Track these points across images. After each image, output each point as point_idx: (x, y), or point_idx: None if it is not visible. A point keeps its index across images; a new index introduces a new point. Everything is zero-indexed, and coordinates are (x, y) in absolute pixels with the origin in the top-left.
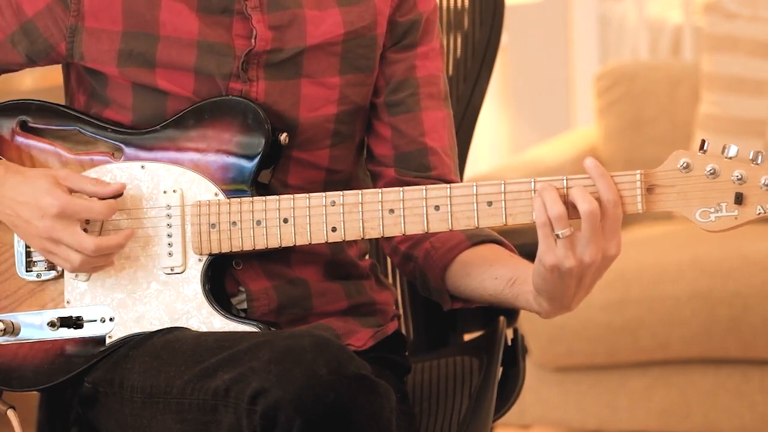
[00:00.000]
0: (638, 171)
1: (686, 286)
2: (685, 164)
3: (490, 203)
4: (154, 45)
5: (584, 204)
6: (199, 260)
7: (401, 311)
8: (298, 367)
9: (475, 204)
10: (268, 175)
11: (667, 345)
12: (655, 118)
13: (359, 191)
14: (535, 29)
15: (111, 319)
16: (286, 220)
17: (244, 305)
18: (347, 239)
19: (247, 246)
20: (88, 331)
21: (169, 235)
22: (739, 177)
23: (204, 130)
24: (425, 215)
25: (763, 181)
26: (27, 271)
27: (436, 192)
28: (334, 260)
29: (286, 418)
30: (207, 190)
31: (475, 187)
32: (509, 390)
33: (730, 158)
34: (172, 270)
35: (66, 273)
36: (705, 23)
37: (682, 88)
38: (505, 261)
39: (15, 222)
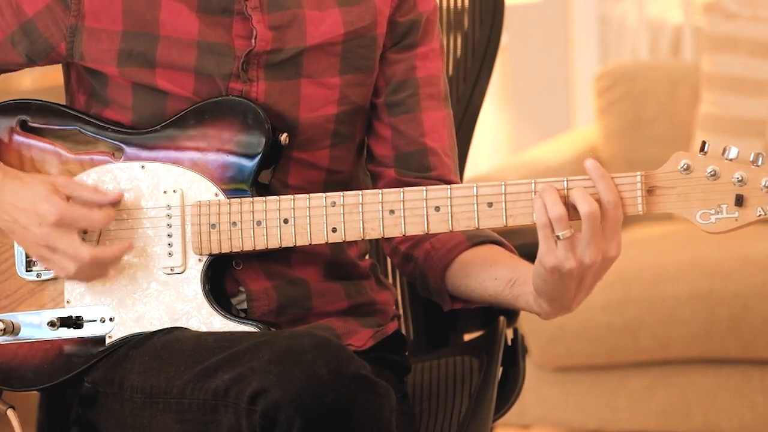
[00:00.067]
0: (639, 172)
1: (686, 287)
2: (685, 166)
3: (490, 204)
4: (154, 45)
5: (584, 205)
6: (199, 260)
7: (401, 311)
8: (298, 367)
9: (475, 205)
10: (268, 175)
11: (668, 345)
12: (655, 118)
13: (359, 192)
14: (535, 29)
15: (111, 319)
16: (286, 221)
17: (244, 305)
18: (347, 240)
19: (248, 246)
20: (87, 331)
21: (169, 236)
22: (740, 179)
23: (204, 130)
24: (425, 216)
25: (763, 183)
26: (27, 271)
27: (437, 193)
28: (334, 260)
29: (286, 418)
30: (207, 191)
31: (475, 188)
32: (509, 390)
33: (731, 160)
34: (172, 270)
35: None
36: (705, 23)
37: (682, 88)
38: (505, 262)
39: (12, 227)
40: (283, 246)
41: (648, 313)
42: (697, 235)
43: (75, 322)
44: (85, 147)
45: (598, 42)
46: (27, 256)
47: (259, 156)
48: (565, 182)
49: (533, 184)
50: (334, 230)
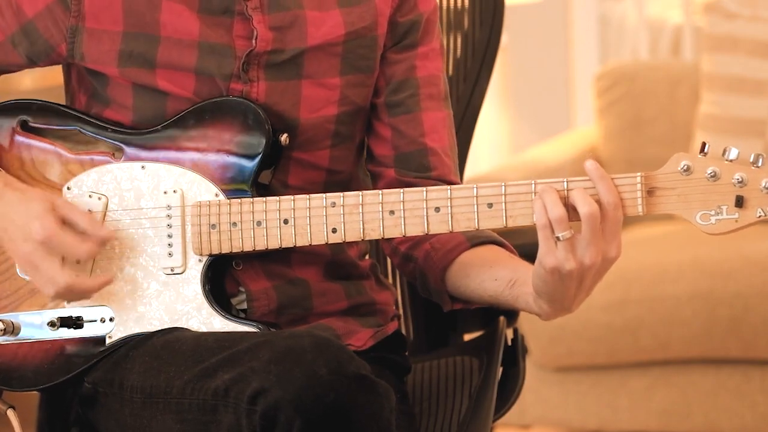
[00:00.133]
0: (639, 173)
1: (687, 287)
2: (685, 167)
3: (490, 205)
4: (154, 46)
5: (584, 206)
6: (200, 261)
7: (401, 311)
8: (298, 367)
9: (475, 206)
10: (268, 175)
11: (668, 345)
12: (655, 118)
13: (359, 192)
14: (535, 29)
15: (111, 320)
16: (286, 221)
17: (244, 305)
18: (347, 240)
19: (248, 247)
20: (88, 331)
21: (170, 236)
22: (740, 180)
23: (204, 130)
24: (425, 217)
25: (763, 184)
26: None
27: (437, 194)
28: (334, 260)
29: (286, 418)
30: (207, 191)
31: (475, 188)
32: (509, 390)
33: (731, 161)
34: (172, 270)
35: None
36: (705, 23)
37: (682, 88)
38: (505, 262)
39: (2, 236)
40: (283, 246)
41: (648, 313)
42: (697, 235)
43: (75, 323)
44: (85, 147)
45: (598, 42)
46: None
47: (260, 156)
48: (565, 183)
49: (533, 185)
50: (334, 231)
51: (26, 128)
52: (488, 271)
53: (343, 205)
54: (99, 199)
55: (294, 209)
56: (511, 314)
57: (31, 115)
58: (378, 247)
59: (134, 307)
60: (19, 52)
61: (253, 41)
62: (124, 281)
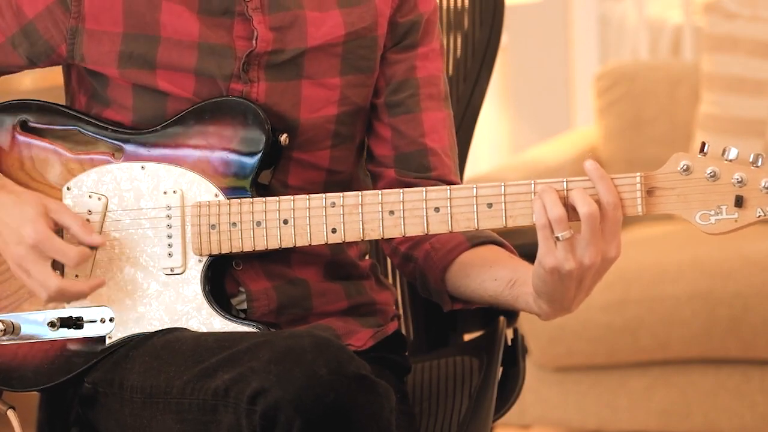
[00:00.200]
0: (638, 173)
1: (686, 287)
2: (685, 167)
3: (490, 205)
4: (154, 47)
5: (584, 206)
6: (199, 261)
7: (401, 311)
8: (298, 367)
9: (474, 206)
10: (268, 175)
11: (667, 345)
12: (655, 118)
13: (359, 192)
14: (535, 29)
15: (111, 320)
16: (286, 221)
17: (244, 305)
18: (347, 240)
19: (247, 247)
20: (88, 331)
21: (169, 236)
22: (740, 180)
23: (204, 130)
24: (425, 217)
25: (763, 184)
26: None
27: (436, 194)
28: (334, 261)
29: (286, 418)
30: (207, 191)
31: (475, 189)
32: (509, 390)
33: (731, 161)
34: (172, 271)
35: (66, 272)
36: (705, 23)
37: (682, 88)
38: (505, 262)
39: None
40: (283, 246)
41: (648, 313)
42: (697, 235)
43: (75, 323)
44: (85, 147)
45: (598, 42)
46: None
47: (259, 156)
48: (565, 183)
49: (533, 185)
50: (334, 231)
51: (26, 128)
52: (488, 271)
53: (342, 206)
54: (99, 199)
55: (294, 209)
56: (511, 314)
57: (31, 115)
58: (378, 247)
59: (134, 307)
60: (19, 53)
61: (254, 42)
62: (124, 281)
